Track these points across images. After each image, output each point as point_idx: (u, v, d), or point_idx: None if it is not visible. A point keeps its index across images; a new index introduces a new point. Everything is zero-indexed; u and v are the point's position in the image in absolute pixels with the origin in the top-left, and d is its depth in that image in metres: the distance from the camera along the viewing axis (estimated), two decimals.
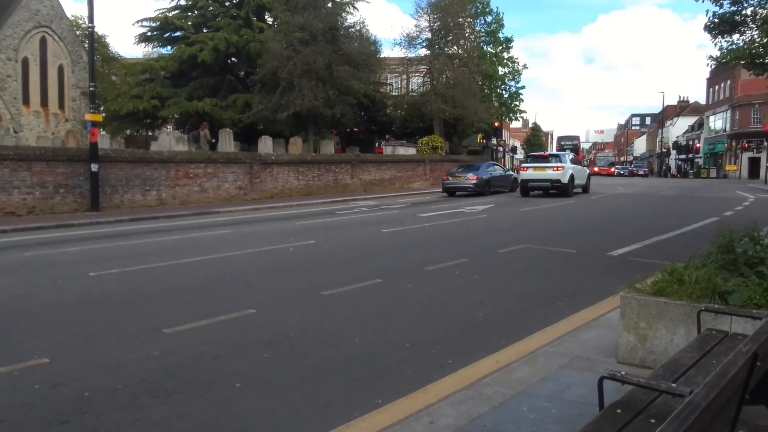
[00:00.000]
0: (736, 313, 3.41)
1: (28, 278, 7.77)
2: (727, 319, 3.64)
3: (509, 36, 42.35)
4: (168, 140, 22.68)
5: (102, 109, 32.52)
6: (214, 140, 23.37)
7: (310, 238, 11.23)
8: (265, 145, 24.19)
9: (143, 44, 35.40)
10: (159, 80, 32.63)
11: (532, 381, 3.89)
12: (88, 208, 15.82)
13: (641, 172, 69.59)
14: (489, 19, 41.02)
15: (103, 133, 27.08)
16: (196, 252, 9.61)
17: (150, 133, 36.40)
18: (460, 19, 35.71)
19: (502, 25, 41.35)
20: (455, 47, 35.70)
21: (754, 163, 50.88)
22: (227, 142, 23.55)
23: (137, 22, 34.59)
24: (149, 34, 34.50)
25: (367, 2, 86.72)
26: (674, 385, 2.20)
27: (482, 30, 40.82)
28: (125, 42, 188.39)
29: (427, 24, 35.30)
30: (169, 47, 34.91)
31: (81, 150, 17.08)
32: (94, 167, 15.69)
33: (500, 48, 41.87)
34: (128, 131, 35.02)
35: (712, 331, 3.28)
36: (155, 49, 37.12)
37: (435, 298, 6.63)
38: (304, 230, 12.79)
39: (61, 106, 34.22)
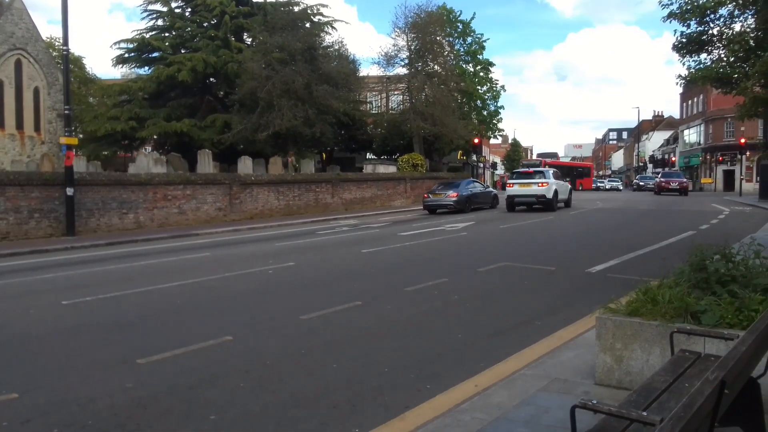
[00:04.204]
0: (708, 334, 3.44)
1: None
2: (701, 339, 3.67)
3: (489, 60, 42.56)
4: (146, 162, 22.51)
5: (79, 130, 32.20)
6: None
7: (289, 260, 11.14)
8: (245, 165, 24.13)
9: (120, 65, 35.33)
10: (137, 101, 32.48)
11: (510, 406, 3.86)
12: (63, 233, 15.56)
13: (675, 184, 41.10)
14: (469, 40, 41.41)
15: (80, 155, 26.73)
16: (173, 277, 9.47)
17: (128, 155, 36.12)
18: (438, 38, 36.07)
19: (483, 47, 41.67)
20: (434, 65, 36.00)
21: (729, 176, 51.82)
22: (206, 163, 23.46)
23: (115, 43, 34.55)
24: (126, 55, 34.42)
25: (346, 23, 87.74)
26: (645, 413, 2.19)
27: (462, 50, 41.18)
28: (103, 63, 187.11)
29: (405, 43, 35.60)
30: (146, 68, 34.84)
31: (56, 174, 16.84)
32: (69, 191, 15.46)
33: (480, 67, 42.24)
34: (105, 153, 34.65)
35: (685, 352, 3.30)
36: (133, 70, 37.06)
37: (414, 319, 6.61)
38: (283, 252, 12.70)
39: (37, 128, 33.76)
